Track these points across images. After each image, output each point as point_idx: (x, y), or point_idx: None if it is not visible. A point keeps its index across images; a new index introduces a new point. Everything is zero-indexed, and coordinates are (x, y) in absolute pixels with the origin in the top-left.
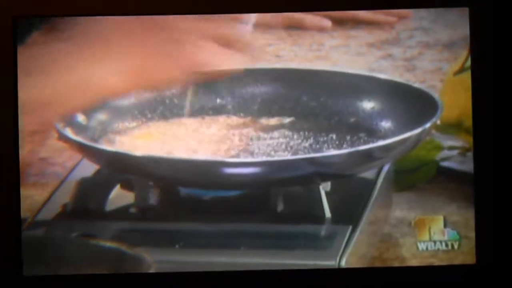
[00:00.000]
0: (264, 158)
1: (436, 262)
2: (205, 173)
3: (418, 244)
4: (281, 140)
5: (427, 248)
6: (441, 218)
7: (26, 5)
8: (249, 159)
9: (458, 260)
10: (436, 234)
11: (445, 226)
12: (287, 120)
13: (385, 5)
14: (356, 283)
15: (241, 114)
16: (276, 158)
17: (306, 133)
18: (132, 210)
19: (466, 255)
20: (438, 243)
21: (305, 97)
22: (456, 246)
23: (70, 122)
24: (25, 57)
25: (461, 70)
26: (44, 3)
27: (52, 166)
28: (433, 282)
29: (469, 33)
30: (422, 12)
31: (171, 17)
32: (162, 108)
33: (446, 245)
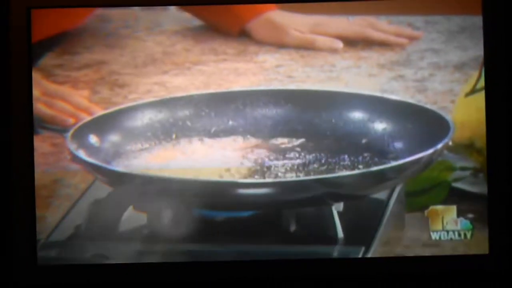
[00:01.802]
0: (277, 179)
1: (448, 251)
2: (218, 193)
3: (431, 233)
4: (293, 161)
5: (440, 238)
6: (454, 208)
7: None
8: (262, 180)
9: (471, 250)
10: (449, 223)
11: (458, 216)
12: (299, 141)
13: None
14: (370, 272)
15: (254, 136)
16: (288, 179)
17: (318, 154)
18: (145, 231)
19: (479, 245)
20: (451, 232)
21: (317, 118)
22: (468, 236)
23: (83, 143)
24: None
25: (472, 91)
26: None
27: (66, 188)
28: (446, 271)
29: (483, 42)
30: (433, 34)
31: None
32: (175, 130)
33: (459, 234)
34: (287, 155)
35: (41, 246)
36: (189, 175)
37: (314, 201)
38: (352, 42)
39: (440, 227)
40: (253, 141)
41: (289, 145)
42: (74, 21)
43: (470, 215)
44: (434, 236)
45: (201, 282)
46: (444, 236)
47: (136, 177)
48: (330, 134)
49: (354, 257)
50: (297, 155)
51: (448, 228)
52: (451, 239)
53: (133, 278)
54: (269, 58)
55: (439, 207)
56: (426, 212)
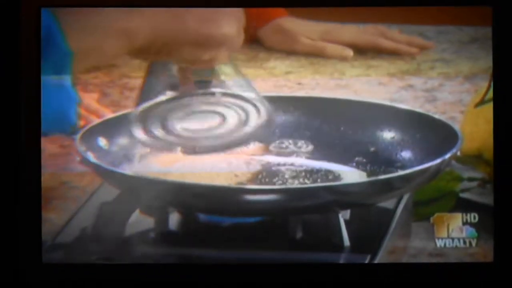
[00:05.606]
0: (284, 186)
1: (453, 259)
2: (224, 199)
3: (436, 240)
4: (300, 168)
5: (445, 245)
6: (460, 215)
7: None
8: (269, 186)
9: (475, 258)
10: (454, 231)
11: (463, 223)
12: (307, 148)
13: (411, 2)
14: (373, 278)
15: (262, 141)
16: (295, 186)
17: (326, 161)
18: (151, 235)
19: (484, 253)
20: (456, 240)
21: (326, 126)
22: (473, 244)
23: (92, 146)
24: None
25: (481, 102)
26: None
27: (73, 190)
28: (450, 279)
29: (492, 34)
30: (444, 44)
31: None
32: None
33: (464, 242)
34: (294, 162)
35: (47, 248)
36: (196, 180)
37: (321, 209)
38: (362, 51)
39: (445, 235)
40: (261, 147)
41: (298, 152)
42: None
43: (476, 224)
44: (439, 243)
45: (205, 284)
46: (449, 243)
47: (143, 181)
48: (338, 142)
49: (359, 263)
50: (304, 162)
51: (453, 235)
52: (456, 246)
53: (138, 278)
54: (279, 65)
55: (445, 214)
56: (432, 218)
